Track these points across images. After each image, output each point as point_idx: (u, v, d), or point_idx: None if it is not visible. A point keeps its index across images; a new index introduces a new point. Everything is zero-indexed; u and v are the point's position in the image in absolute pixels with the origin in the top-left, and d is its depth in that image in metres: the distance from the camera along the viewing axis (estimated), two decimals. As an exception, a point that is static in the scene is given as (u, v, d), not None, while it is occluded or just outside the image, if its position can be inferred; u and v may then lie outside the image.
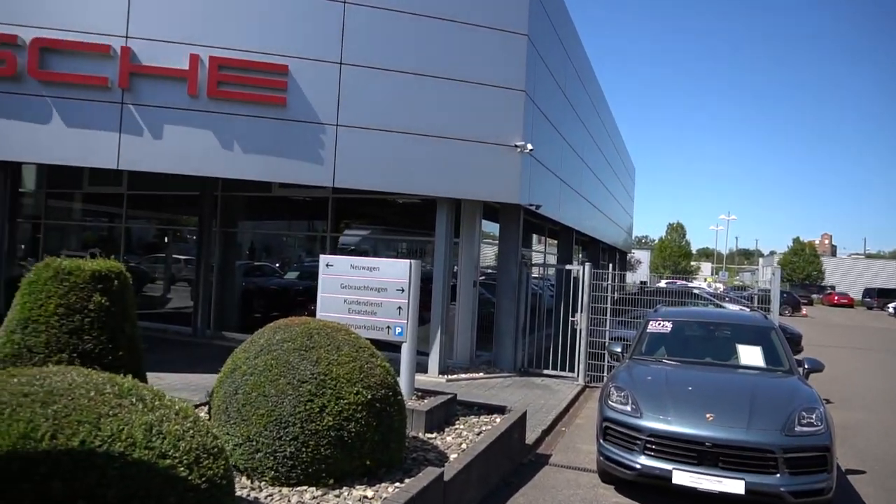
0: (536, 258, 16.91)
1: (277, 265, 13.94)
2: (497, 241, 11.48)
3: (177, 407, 3.01)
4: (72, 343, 3.75)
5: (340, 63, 9.15)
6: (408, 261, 6.08)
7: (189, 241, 14.21)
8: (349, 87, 9.15)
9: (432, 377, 9.56)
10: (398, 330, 6.05)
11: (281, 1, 9.05)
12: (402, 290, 6.03)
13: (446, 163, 9.51)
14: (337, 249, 12.27)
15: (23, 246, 14.50)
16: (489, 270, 12.00)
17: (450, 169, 9.54)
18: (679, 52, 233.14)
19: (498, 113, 9.78)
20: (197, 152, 8.75)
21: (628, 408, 5.39)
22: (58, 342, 3.73)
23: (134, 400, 2.89)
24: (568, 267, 11.19)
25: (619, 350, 7.22)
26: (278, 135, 8.93)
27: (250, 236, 13.86)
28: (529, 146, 9.89)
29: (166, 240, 14.66)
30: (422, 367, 9.85)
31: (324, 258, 6.39)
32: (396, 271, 6.07)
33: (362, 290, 6.15)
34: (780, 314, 11.12)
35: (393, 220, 12.92)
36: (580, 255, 21.34)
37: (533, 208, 10.82)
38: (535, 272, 14.22)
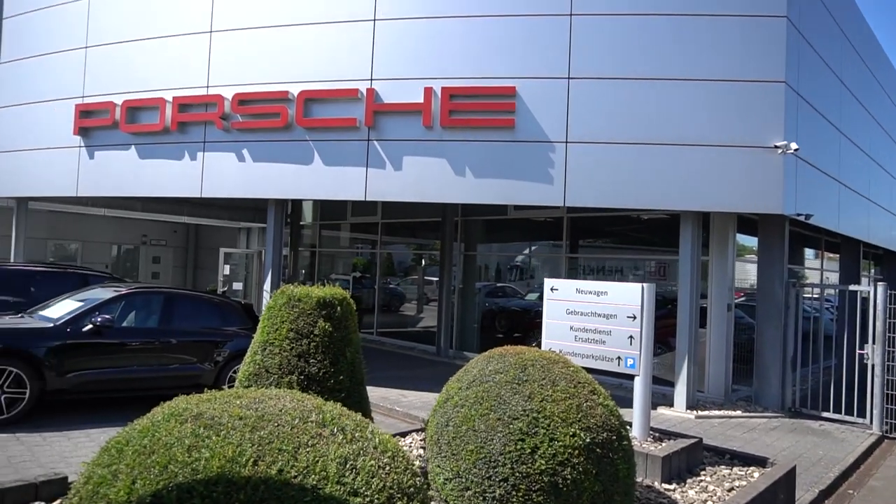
0: (812, 276, 14.39)
1: (515, 283, 14.02)
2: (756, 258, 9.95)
3: (376, 440, 2.92)
4: (300, 366, 4.00)
5: (568, 77, 8.82)
6: (639, 284, 5.44)
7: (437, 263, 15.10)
8: (578, 102, 8.77)
9: (678, 412, 8.54)
10: (630, 361, 5.42)
11: (506, 24, 9.08)
12: (634, 318, 5.41)
13: (689, 172, 8.53)
14: (575, 270, 11.87)
15: (303, 271, 16.84)
16: (751, 290, 10.47)
17: (693, 179, 8.53)
18: None
19: (750, 110, 8.50)
20: (432, 180, 9.14)
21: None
22: (288, 364, 4.00)
23: (335, 430, 2.86)
24: (853, 287, 9.19)
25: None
26: (508, 157, 8.91)
27: (489, 258, 14.17)
28: (794, 145, 8.39)
29: (422, 262, 15.75)
30: (667, 400, 8.93)
31: (548, 282, 6.06)
32: (627, 296, 5.47)
33: (589, 316, 5.67)
34: None
35: (634, 238, 12.09)
36: (871, 272, 17.68)
37: (801, 218, 9.15)
38: (809, 293, 12.08)
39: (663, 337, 9.85)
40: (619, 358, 5.48)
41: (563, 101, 8.80)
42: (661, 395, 9.35)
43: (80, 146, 11.31)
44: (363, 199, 9.38)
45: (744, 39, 8.51)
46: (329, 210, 16.35)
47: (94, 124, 11.12)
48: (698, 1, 8.58)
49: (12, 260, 12.37)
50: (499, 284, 14.25)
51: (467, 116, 9.05)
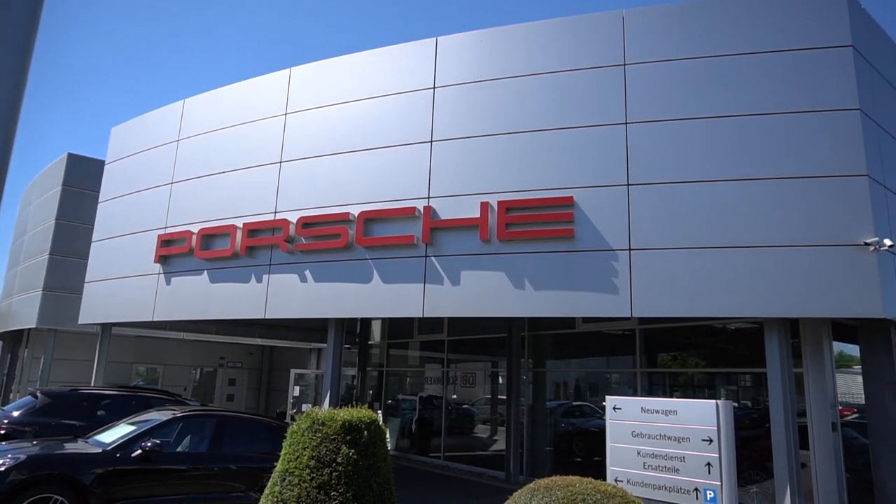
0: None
1: (593, 402, 13.07)
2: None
3: None
4: (319, 499, 3.61)
5: (628, 185, 8.57)
6: (713, 401, 4.78)
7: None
8: (640, 207, 8.44)
9: (786, 555, 7.26)
10: (710, 494, 4.65)
11: (563, 136, 9.08)
12: (710, 441, 4.70)
13: (770, 276, 7.83)
14: (657, 387, 10.96)
15: (371, 391, 16.53)
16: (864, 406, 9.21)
17: (775, 283, 7.81)
18: None
19: (834, 207, 7.86)
20: (491, 294, 8.86)
21: None
22: (308, 497, 3.62)
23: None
24: None
25: None
26: (568, 268, 8.56)
27: (561, 375, 13.41)
28: (888, 241, 7.60)
29: (498, 380, 15.12)
30: (771, 540, 7.64)
31: (610, 400, 5.47)
32: (699, 415, 4.81)
33: (658, 439, 5.00)
34: None
35: (721, 350, 11.13)
36: None
37: (908, 322, 8.11)
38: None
39: (761, 461, 8.72)
40: (696, 490, 4.72)
41: (624, 208, 8.50)
42: (763, 533, 8.07)
43: (159, 273, 11.94)
44: (420, 315, 9.18)
45: (819, 135, 8.06)
46: (396, 328, 16.25)
47: (172, 252, 11.77)
48: (761, 98, 8.31)
49: (93, 383, 12.82)
50: (575, 403, 13.34)
51: (524, 228, 8.88)
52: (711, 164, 8.31)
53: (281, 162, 10.97)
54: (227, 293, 10.88)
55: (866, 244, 7.61)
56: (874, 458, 8.05)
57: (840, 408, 9.27)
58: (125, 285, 12.65)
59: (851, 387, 9.43)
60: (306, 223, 10.22)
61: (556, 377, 13.39)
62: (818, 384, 8.44)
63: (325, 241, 10.02)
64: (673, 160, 8.47)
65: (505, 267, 8.84)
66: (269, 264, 10.49)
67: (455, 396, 15.18)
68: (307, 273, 10.10)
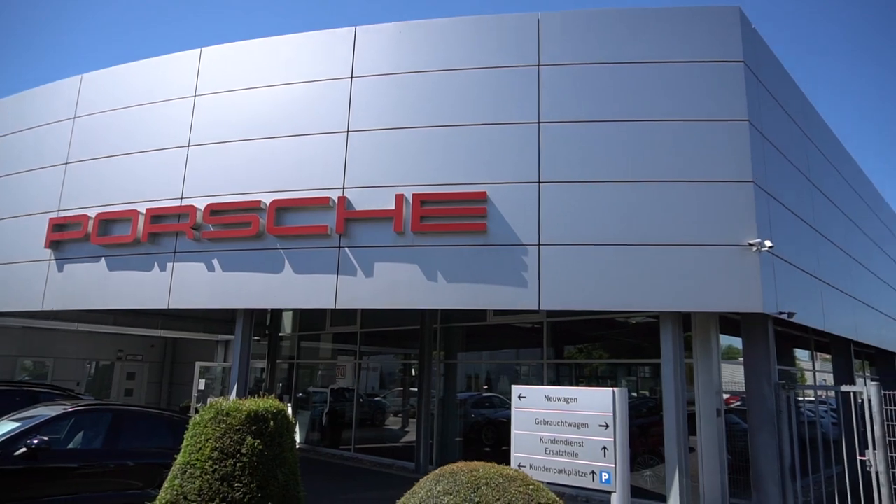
0: (808, 378, 13.93)
1: (503, 393, 13.44)
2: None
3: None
4: (222, 491, 3.54)
5: (539, 182, 8.87)
6: (610, 389, 5.08)
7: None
8: (550, 205, 8.76)
9: (674, 532, 7.81)
10: (604, 476, 4.94)
11: (478, 132, 9.24)
12: (607, 427, 4.99)
13: (666, 273, 8.36)
14: (564, 378, 11.42)
15: (280, 384, 16.20)
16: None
17: (671, 279, 8.35)
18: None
19: (723, 210, 8.49)
20: (404, 286, 8.92)
21: None
22: (210, 489, 3.55)
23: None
24: (845, 388, 8.76)
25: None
26: (480, 261, 8.76)
27: (472, 367, 13.69)
28: (768, 243, 8.30)
29: (411, 372, 15.19)
30: (660, 518, 8.20)
31: (516, 389, 5.68)
32: (597, 402, 5.09)
33: (559, 426, 5.25)
34: None
35: (623, 343, 11.74)
36: (865, 372, 17.18)
37: (784, 317, 8.89)
38: (802, 395, 11.61)
39: (655, 447, 9.30)
40: (593, 472, 5.00)
41: (534, 204, 8.80)
42: (653, 512, 8.64)
43: (50, 259, 11.15)
44: (333, 306, 9.11)
45: (711, 142, 8.67)
46: (308, 320, 16.00)
47: (65, 237, 11.02)
48: (662, 107, 8.82)
49: (-28, 378, 11.82)
50: (485, 394, 13.67)
51: (439, 221, 8.99)
52: (615, 165, 8.75)
53: (189, 146, 10.51)
54: (127, 281, 10.32)
55: (750, 245, 8.28)
56: (751, 441, 8.79)
57: (727, 396, 10.04)
58: (10, 272, 11.72)
59: (737, 376, 10.23)
60: (215, 210, 9.87)
61: (467, 369, 13.66)
62: (706, 374, 9.10)
63: (234, 228, 9.72)
64: (581, 160, 8.85)
65: (418, 259, 8.92)
66: (174, 252, 10.05)
67: (367, 389, 15.17)
68: (215, 262, 9.76)
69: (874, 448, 7.75)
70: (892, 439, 7.79)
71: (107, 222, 10.69)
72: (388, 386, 15.58)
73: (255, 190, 9.78)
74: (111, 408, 7.60)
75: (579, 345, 12.24)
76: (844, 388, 8.54)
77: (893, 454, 7.78)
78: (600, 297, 8.52)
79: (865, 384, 8.48)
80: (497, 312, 11.81)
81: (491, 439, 12.83)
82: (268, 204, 9.59)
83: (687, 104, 8.81)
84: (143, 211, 10.34)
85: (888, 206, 19.27)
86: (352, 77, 9.84)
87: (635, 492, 9.48)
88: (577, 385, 11.05)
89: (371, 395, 15.21)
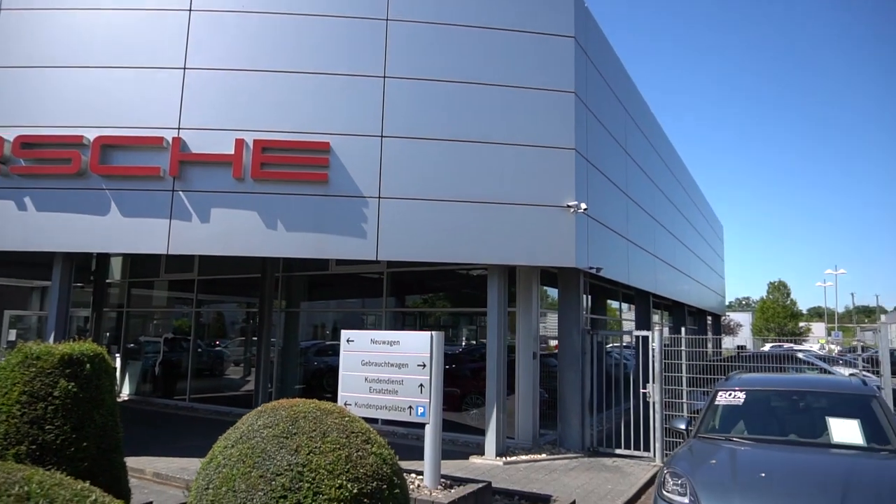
0: (618, 326, 15.83)
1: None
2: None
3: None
4: (31, 433, 3.53)
5: (381, 136, 9.11)
6: (428, 333, 5.59)
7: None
8: (391, 159, 9.05)
9: (489, 459, 8.77)
10: (420, 410, 5.50)
11: (322, 81, 9.22)
12: (424, 366, 5.52)
13: (494, 229, 9.09)
14: (403, 326, 11.96)
15: (108, 333, 15.25)
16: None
17: (498, 235, 9.10)
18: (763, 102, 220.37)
19: (547, 173, 9.34)
20: (242, 233, 8.83)
21: (686, 500, 4.49)
22: (17, 433, 3.51)
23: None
24: (637, 332, 10.23)
25: (683, 427, 6.26)
26: (321, 211, 8.90)
27: (314, 315, 13.86)
28: (583, 205, 9.31)
29: (250, 321, 14.95)
30: (479, 449, 9.15)
31: (345, 333, 6.03)
32: (417, 345, 5.60)
33: (383, 366, 5.70)
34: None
35: (451, 293, 12.52)
36: (663, 321, 19.87)
37: (593, 271, 10.09)
38: (609, 340, 13.26)
39: (481, 389, 10.18)
40: (410, 407, 5.53)
41: (377, 158, 9.04)
42: (475, 444, 9.58)
43: None
44: (165, 252, 8.79)
45: (539, 109, 9.41)
46: (140, 267, 15.11)
47: None
48: (499, 73, 9.37)
49: None
50: (328, 343, 13.94)
51: (280, 170, 8.94)
52: (453, 124, 9.22)
53: (-5, 68, 9.34)
54: (-85, 219, 9.10)
55: (568, 206, 9.24)
56: (560, 379, 10.00)
57: (555, 343, 11.18)
58: None
59: (555, 325, 11.41)
60: (26, 143, 8.96)
61: (313, 318, 13.81)
62: (526, 322, 10.11)
63: (51, 164, 8.92)
64: (422, 118, 9.20)
65: (258, 206, 8.85)
66: (-24, 188, 9.02)
67: (206, 338, 14.78)
68: (27, 200, 8.93)
69: (653, 382, 9.20)
70: (667, 374, 9.29)
71: None
72: (230, 335, 15.28)
73: (76, 124, 9.00)
74: None
75: (422, 295, 12.87)
76: (636, 332, 9.97)
77: (672, 387, 9.30)
78: (434, 249, 9.07)
79: (652, 329, 9.94)
80: (339, 262, 12.03)
81: (332, 386, 13.16)
82: (91, 140, 8.90)
83: (521, 72, 9.45)
84: (-64, 139, 9.10)
85: (692, 178, 22.04)
86: (190, 9, 9.28)
87: (463, 428, 10.42)
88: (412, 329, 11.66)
89: (209, 345, 14.86)
